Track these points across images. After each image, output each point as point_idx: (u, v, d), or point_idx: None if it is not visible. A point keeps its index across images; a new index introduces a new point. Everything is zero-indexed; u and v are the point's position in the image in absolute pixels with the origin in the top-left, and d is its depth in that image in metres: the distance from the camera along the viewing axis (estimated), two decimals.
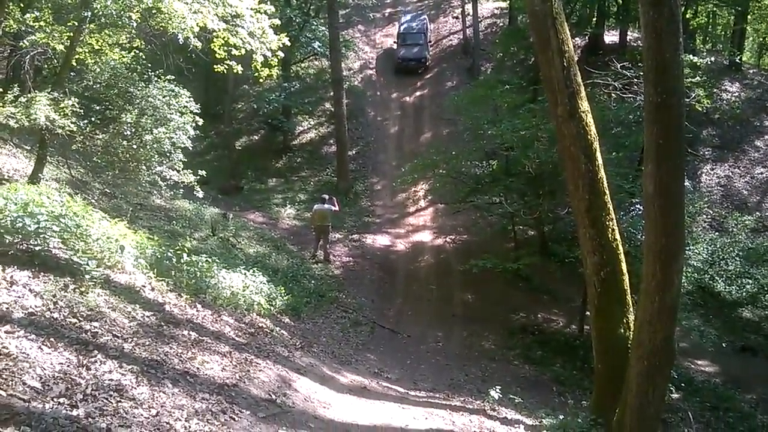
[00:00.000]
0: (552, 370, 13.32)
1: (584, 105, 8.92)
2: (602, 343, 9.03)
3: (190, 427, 4.97)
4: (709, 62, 17.07)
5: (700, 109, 16.16)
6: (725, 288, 17.82)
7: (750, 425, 12.18)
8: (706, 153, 24.75)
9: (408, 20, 33.25)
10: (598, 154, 8.92)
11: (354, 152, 26.17)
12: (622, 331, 8.72)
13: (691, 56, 15.60)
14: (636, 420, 7.62)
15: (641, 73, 9.99)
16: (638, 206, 14.48)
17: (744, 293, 17.63)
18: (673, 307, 7.29)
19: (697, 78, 15.45)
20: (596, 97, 15.64)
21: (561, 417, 9.14)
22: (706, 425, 11.88)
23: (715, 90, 24.49)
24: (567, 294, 16.82)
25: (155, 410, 4.93)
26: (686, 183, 11.93)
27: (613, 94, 15.72)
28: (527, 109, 17.47)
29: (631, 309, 8.81)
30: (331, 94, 25.62)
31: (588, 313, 10.29)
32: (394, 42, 32.64)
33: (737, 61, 28.18)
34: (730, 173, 23.96)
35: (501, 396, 9.50)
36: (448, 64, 32.30)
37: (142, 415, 4.75)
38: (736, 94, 26.85)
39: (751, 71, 29.09)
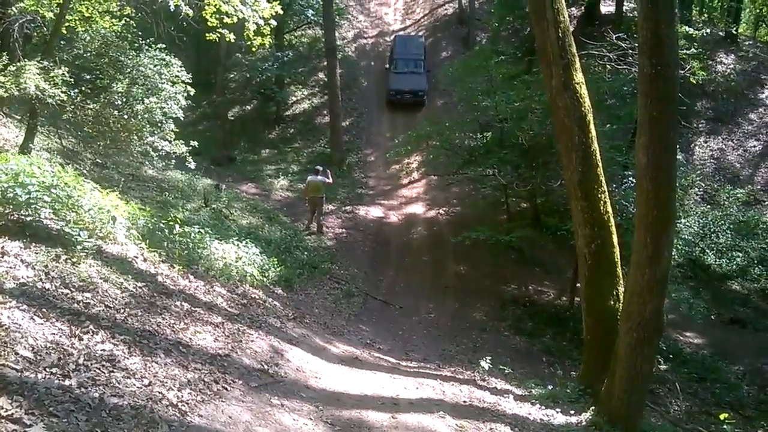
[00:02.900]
0: (542, 342, 13.46)
1: (579, 76, 8.90)
2: (592, 314, 9.14)
3: (182, 396, 5.01)
4: (704, 34, 16.97)
5: (694, 81, 16.08)
6: (715, 261, 17.97)
7: (736, 395, 12.39)
8: (700, 125, 24.73)
9: (402, 42, 28.17)
10: (592, 126, 8.93)
11: (347, 123, 25.99)
12: (612, 302, 8.82)
13: (686, 27, 15.50)
14: (624, 390, 7.73)
15: (636, 45, 9.92)
16: (631, 178, 14.50)
17: (734, 266, 17.79)
18: (663, 280, 7.36)
19: (693, 50, 15.35)
20: (591, 68, 15.56)
21: (550, 387, 9.27)
22: (693, 396, 12.07)
23: (710, 62, 24.38)
24: (558, 266, 16.92)
25: (148, 380, 4.96)
26: (679, 156, 11.95)
27: (608, 66, 15.64)
28: (522, 80, 17.37)
29: (622, 281, 8.89)
30: (325, 63, 25.37)
31: (579, 285, 10.38)
32: (386, 67, 27.91)
33: (733, 32, 28.01)
34: (723, 146, 23.97)
35: (491, 366, 9.61)
36: (443, 34, 31.99)
37: (134, 384, 4.78)
38: (731, 66, 26.74)
39: (746, 43, 28.93)
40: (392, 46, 28.21)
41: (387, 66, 27.61)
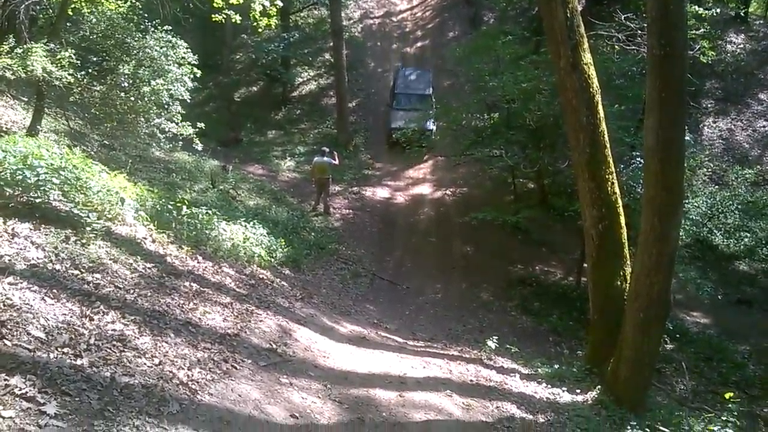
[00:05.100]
0: (549, 321, 13.51)
1: (587, 57, 8.84)
2: (599, 294, 9.16)
3: (192, 375, 5.08)
4: (714, 13, 16.76)
5: (704, 61, 15.93)
6: (723, 241, 17.91)
7: (742, 375, 12.43)
8: (709, 106, 24.52)
9: (405, 75, 25.00)
10: (600, 107, 8.88)
11: (354, 104, 25.90)
12: (619, 283, 8.84)
13: (696, 7, 15.32)
14: (630, 370, 7.79)
15: (645, 25, 9.84)
16: (639, 159, 14.42)
17: (741, 246, 17.73)
18: (671, 260, 7.37)
19: (702, 30, 15.19)
20: (599, 48, 15.44)
21: (556, 366, 9.33)
22: (699, 375, 12.12)
23: (719, 42, 24.11)
24: (565, 247, 16.91)
25: (158, 359, 5.02)
26: (687, 136, 11.85)
27: (616, 46, 15.51)
28: (529, 60, 17.25)
29: (629, 261, 8.90)
30: (331, 44, 25.22)
31: (586, 265, 10.40)
32: (386, 105, 24.70)
33: (743, 13, 27.65)
34: (732, 126, 23.79)
35: (498, 346, 9.66)
36: (450, 13, 31.69)
37: (145, 364, 4.84)
38: (741, 46, 26.45)
39: (757, 23, 28.56)
40: (394, 79, 25.38)
41: (388, 103, 24.41)
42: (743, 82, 25.18)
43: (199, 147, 13.90)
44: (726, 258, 17.61)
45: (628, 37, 14.77)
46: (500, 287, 15.18)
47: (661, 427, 7.38)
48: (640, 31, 14.16)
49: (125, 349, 4.89)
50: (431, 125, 21.51)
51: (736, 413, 7.13)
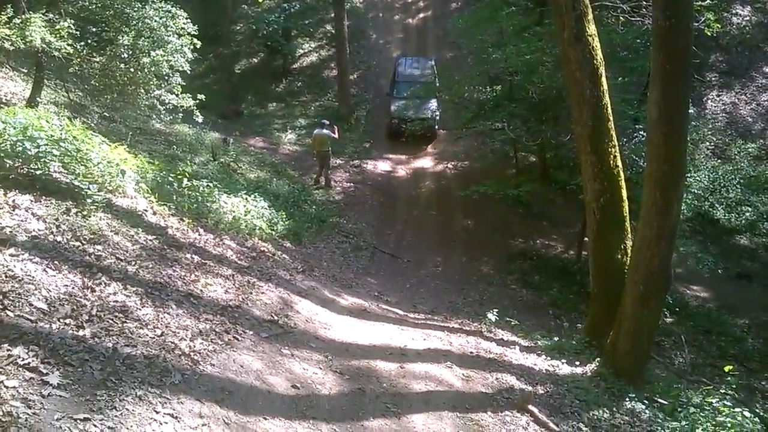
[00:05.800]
0: (549, 294, 13.55)
1: (591, 28, 8.75)
2: (599, 268, 9.19)
3: (194, 346, 5.11)
4: None
5: (708, 33, 15.70)
6: (724, 215, 17.86)
7: (741, 348, 12.51)
8: (713, 79, 24.27)
9: (406, 63, 23.53)
10: (604, 80, 8.82)
11: (355, 76, 25.69)
12: (620, 256, 8.85)
13: None
14: (630, 342, 7.83)
15: None
16: (641, 132, 14.35)
17: (743, 221, 17.68)
18: (672, 234, 7.37)
19: (708, 1, 14.96)
20: (604, 20, 15.23)
21: (556, 339, 9.38)
22: (698, 348, 12.20)
23: (725, 14, 23.77)
24: (566, 220, 16.89)
25: (160, 330, 5.05)
26: (690, 109, 11.75)
27: (621, 17, 15.30)
28: (533, 32, 17.05)
29: (629, 235, 8.91)
30: (332, 15, 24.94)
31: (586, 238, 10.40)
32: (386, 93, 22.99)
33: None
34: (736, 100, 23.57)
35: (498, 318, 9.70)
36: None
37: (147, 335, 4.87)
38: (747, 18, 26.11)
39: None
40: (394, 68, 23.83)
41: (387, 92, 22.87)
42: (748, 56, 24.88)
43: (200, 119, 13.84)
44: (727, 232, 17.58)
45: (633, 8, 14.54)
46: (501, 260, 15.21)
47: (659, 399, 7.45)
48: (645, 2, 13.94)
49: (127, 320, 4.92)
50: (435, 113, 20.94)
51: (734, 386, 7.18)
